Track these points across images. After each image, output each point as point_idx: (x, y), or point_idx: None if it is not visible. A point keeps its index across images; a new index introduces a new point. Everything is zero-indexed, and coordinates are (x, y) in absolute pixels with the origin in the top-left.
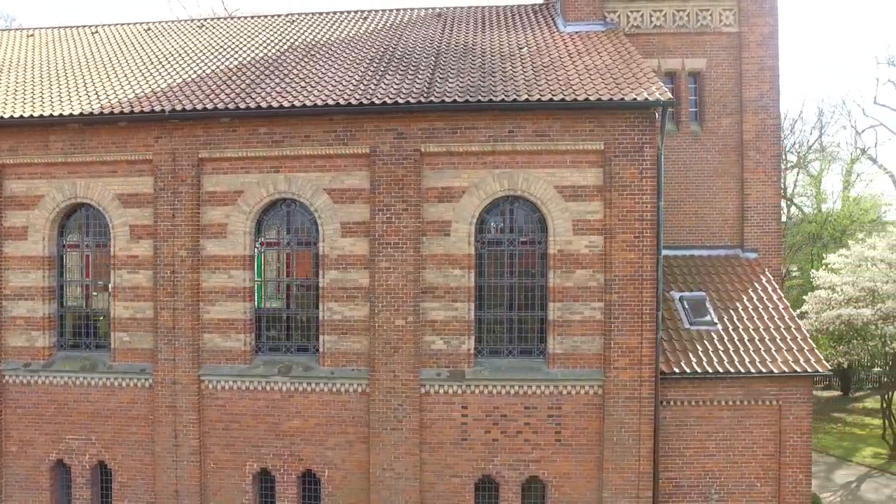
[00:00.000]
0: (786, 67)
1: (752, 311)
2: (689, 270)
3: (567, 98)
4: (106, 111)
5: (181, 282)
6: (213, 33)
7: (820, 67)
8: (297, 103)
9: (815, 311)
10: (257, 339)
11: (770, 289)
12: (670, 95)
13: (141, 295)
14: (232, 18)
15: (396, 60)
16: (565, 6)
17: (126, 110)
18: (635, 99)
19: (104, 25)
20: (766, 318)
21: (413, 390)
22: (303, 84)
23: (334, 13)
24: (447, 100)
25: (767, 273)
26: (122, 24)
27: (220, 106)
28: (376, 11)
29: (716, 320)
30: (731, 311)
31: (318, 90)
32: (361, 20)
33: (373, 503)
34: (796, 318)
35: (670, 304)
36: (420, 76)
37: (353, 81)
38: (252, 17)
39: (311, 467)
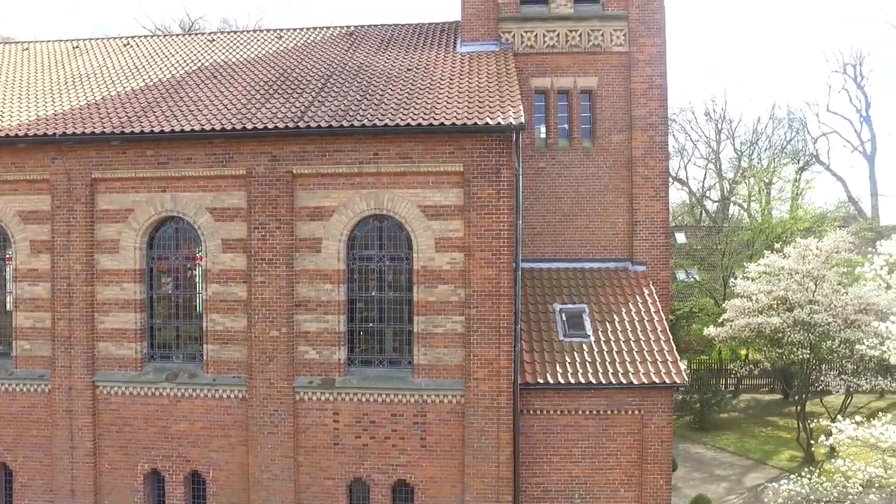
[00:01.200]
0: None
1: (627, 324)
2: (576, 283)
3: (424, 123)
4: (2, 133)
5: (77, 294)
6: (135, 52)
7: (785, 73)
8: (177, 128)
9: (730, 319)
10: (150, 346)
11: (650, 301)
12: (522, 120)
13: (40, 306)
14: (157, 37)
15: (288, 83)
16: (463, 27)
17: (22, 133)
18: (488, 123)
19: (37, 42)
20: (639, 330)
21: (287, 397)
22: (192, 108)
23: (254, 32)
24: (313, 125)
25: (651, 286)
26: (53, 42)
27: (108, 130)
28: (293, 31)
29: (589, 332)
30: (607, 323)
31: (204, 114)
32: (276, 39)
33: (252, 503)
34: (668, 331)
35: (550, 316)
36: (302, 99)
37: (238, 105)
38: (176, 37)
39: (198, 468)
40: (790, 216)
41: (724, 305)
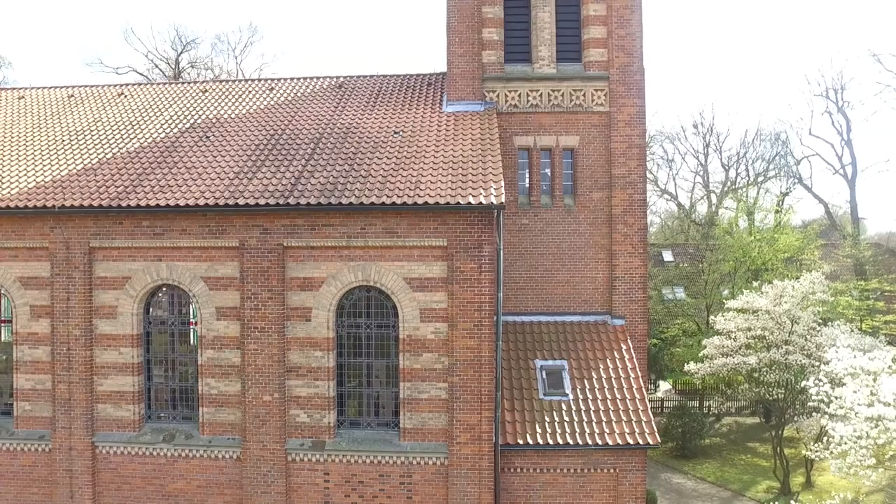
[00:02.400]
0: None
1: (605, 382)
2: (557, 337)
3: (409, 201)
4: (2, 205)
5: (76, 358)
6: (129, 104)
7: (773, 86)
8: (172, 202)
9: (710, 356)
10: (148, 408)
11: (627, 358)
12: (503, 199)
13: (41, 368)
14: (150, 85)
15: (279, 147)
16: (448, 86)
17: (21, 204)
18: (470, 202)
19: (33, 89)
20: (615, 388)
21: (280, 458)
22: (185, 176)
23: (246, 82)
24: (302, 202)
25: (629, 342)
26: (49, 89)
27: (105, 203)
28: (285, 81)
29: (568, 392)
30: (585, 380)
31: (197, 184)
32: (268, 91)
33: None
34: (643, 389)
35: (531, 373)
36: (292, 169)
37: (230, 175)
38: (168, 85)
39: None
40: (770, 248)
41: (703, 342)
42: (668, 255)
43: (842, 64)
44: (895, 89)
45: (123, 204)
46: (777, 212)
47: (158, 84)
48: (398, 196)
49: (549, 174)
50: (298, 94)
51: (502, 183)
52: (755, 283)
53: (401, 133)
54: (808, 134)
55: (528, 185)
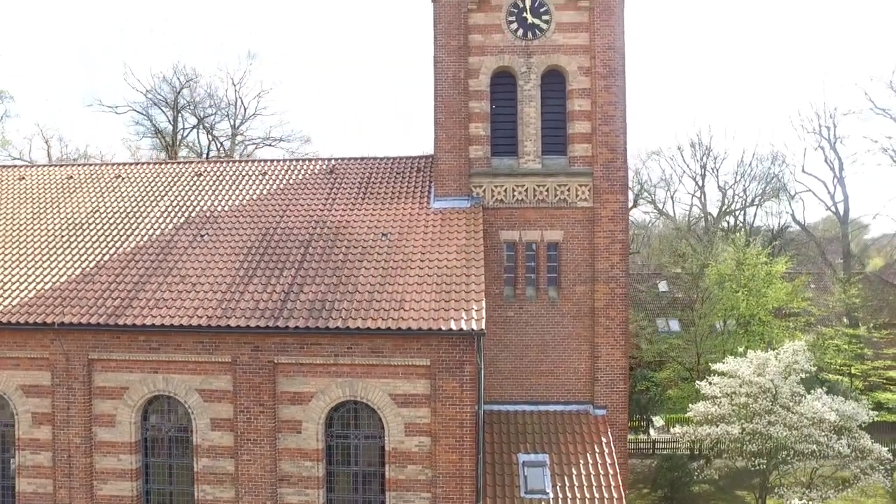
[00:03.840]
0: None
1: (584, 479)
2: (539, 428)
3: (393, 326)
4: (4, 319)
5: (76, 464)
6: (125, 189)
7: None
8: (167, 321)
9: (695, 420)
10: None
11: (607, 453)
12: (483, 326)
13: (42, 473)
14: (146, 165)
15: (270, 250)
16: (436, 181)
17: (22, 320)
18: (451, 329)
19: (32, 167)
20: (594, 486)
21: None
22: (180, 288)
23: (240, 164)
24: (291, 325)
25: (609, 434)
26: (48, 167)
27: (103, 321)
28: (277, 164)
29: (549, 490)
30: (566, 477)
31: (191, 298)
32: (261, 176)
33: None
34: (620, 488)
35: (514, 468)
36: (283, 280)
37: (223, 287)
38: (165, 165)
39: None
40: (758, 302)
41: (689, 409)
42: (663, 286)
43: (835, 102)
44: (881, 148)
45: (120, 322)
46: (766, 260)
47: (154, 164)
48: (383, 319)
49: (534, 266)
50: (290, 182)
51: (483, 305)
52: (742, 339)
53: (388, 235)
54: (801, 171)
55: (513, 278)
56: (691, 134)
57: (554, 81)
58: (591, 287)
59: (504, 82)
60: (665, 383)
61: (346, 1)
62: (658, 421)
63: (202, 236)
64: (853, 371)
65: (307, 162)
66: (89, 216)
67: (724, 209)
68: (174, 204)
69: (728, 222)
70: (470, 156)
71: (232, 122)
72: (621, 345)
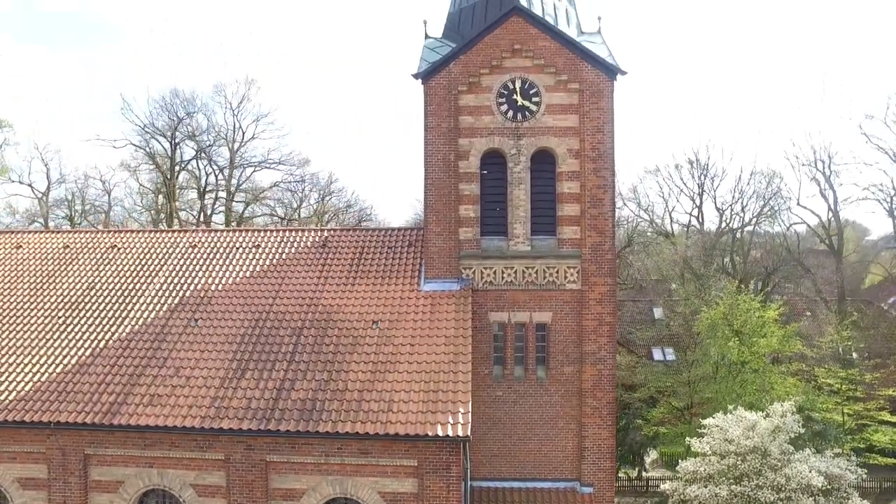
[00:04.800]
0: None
1: None
2: None
3: (381, 431)
4: (1, 418)
5: None
6: (121, 262)
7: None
8: (161, 420)
9: (683, 482)
10: None
11: None
12: (469, 432)
13: None
14: (142, 233)
15: (263, 340)
16: (426, 263)
17: (19, 418)
18: (438, 435)
19: (30, 233)
20: None
21: None
22: (174, 382)
23: (234, 233)
24: (283, 428)
25: None
26: (45, 233)
27: (98, 420)
28: (271, 234)
29: None
30: None
31: (185, 395)
32: (254, 249)
33: None
34: None
35: None
36: (274, 376)
37: (216, 383)
38: (161, 233)
39: None
40: (749, 350)
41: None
42: (658, 313)
43: (830, 136)
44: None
45: (115, 422)
46: (760, 307)
47: (150, 232)
48: (371, 423)
49: (522, 346)
50: (283, 257)
51: (469, 408)
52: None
53: (379, 323)
54: (796, 204)
55: (502, 357)
56: (689, 153)
57: (544, 161)
58: (578, 368)
59: (494, 161)
60: (658, 419)
61: (347, 1)
62: (651, 453)
63: (196, 321)
64: (846, 410)
65: (300, 233)
66: (85, 293)
67: (721, 228)
68: (169, 281)
69: (727, 239)
70: (460, 237)
71: (230, 146)
72: (608, 424)
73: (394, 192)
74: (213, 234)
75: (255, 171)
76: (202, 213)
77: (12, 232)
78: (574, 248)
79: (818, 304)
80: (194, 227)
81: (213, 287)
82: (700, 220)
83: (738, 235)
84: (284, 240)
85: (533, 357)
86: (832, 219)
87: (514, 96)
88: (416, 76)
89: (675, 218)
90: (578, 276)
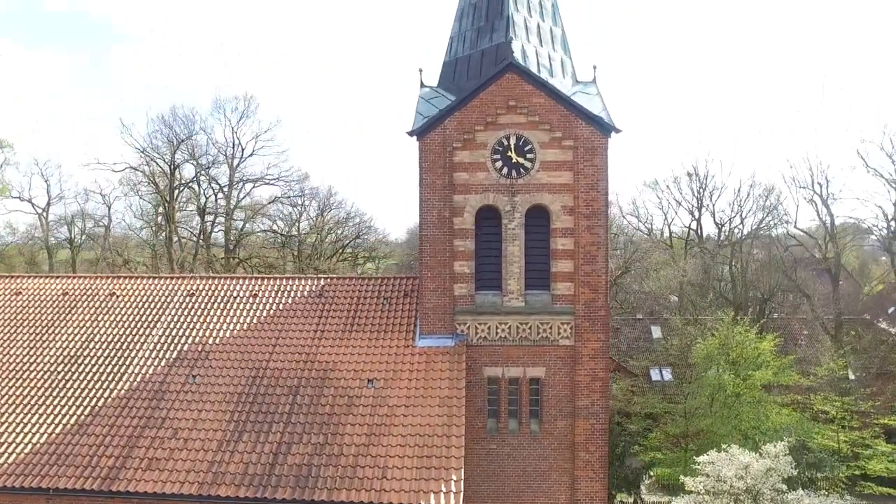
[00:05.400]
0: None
1: None
2: None
3: (374, 500)
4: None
5: None
6: (119, 312)
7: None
8: (159, 487)
9: None
10: None
11: None
12: (461, 502)
13: None
14: (140, 280)
15: (259, 398)
16: (422, 319)
17: (17, 484)
18: None
19: (29, 278)
20: None
21: None
22: (172, 445)
23: (231, 281)
24: (278, 497)
25: None
26: (44, 278)
27: (96, 487)
28: (267, 283)
29: None
30: None
31: (183, 458)
32: (251, 298)
33: None
34: None
35: None
36: (271, 438)
37: (213, 446)
38: (159, 280)
39: None
40: (744, 383)
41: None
42: (656, 332)
43: (828, 159)
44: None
45: (114, 488)
46: (755, 340)
47: (148, 279)
48: (366, 490)
49: (516, 400)
50: (280, 308)
51: (462, 475)
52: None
53: (374, 382)
54: (792, 226)
55: (496, 410)
56: (688, 166)
57: (538, 216)
58: (571, 422)
59: (488, 216)
60: (655, 445)
61: (346, 1)
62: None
63: (194, 377)
64: (841, 438)
65: (297, 281)
66: (84, 345)
67: (720, 241)
68: (167, 333)
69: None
70: (455, 293)
71: (229, 162)
72: (601, 477)
73: (394, 192)
74: (210, 282)
75: (254, 187)
76: (202, 233)
77: (12, 276)
78: (568, 304)
79: (815, 325)
80: (192, 274)
81: (210, 340)
82: (699, 232)
83: (737, 250)
84: (281, 288)
85: (527, 411)
86: (829, 242)
87: (509, 153)
88: (410, 133)
89: (675, 231)
90: (572, 332)
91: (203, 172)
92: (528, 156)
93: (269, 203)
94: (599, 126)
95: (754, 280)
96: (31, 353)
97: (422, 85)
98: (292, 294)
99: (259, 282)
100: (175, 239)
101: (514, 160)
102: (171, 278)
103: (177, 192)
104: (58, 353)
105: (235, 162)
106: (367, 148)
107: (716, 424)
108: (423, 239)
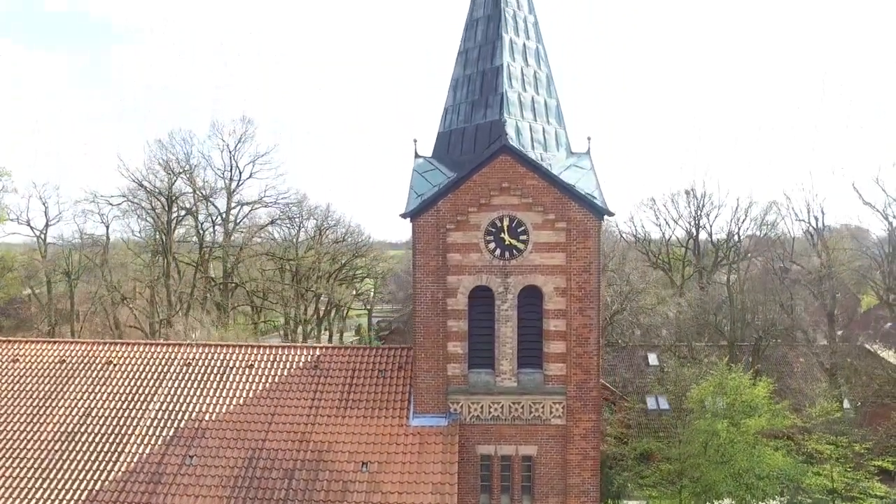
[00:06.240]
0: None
1: None
2: None
3: None
4: None
5: None
6: (117, 382)
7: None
8: None
9: None
10: None
11: None
12: None
13: None
14: (138, 346)
15: (255, 482)
16: (416, 399)
17: None
18: None
19: (26, 343)
20: None
21: None
22: None
23: (228, 349)
24: None
25: None
26: (40, 343)
27: None
28: (263, 352)
29: None
30: None
31: None
32: (247, 369)
33: None
34: None
35: None
36: None
37: None
38: (158, 346)
39: None
40: (738, 430)
41: None
42: (652, 359)
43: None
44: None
45: None
46: (749, 386)
47: (145, 346)
48: None
49: (509, 476)
50: (276, 381)
51: None
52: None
53: (368, 465)
54: (789, 261)
55: (489, 487)
56: (684, 183)
57: (531, 296)
58: (563, 499)
59: (481, 294)
60: (651, 482)
61: (346, 1)
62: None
63: (190, 458)
64: (835, 475)
65: (292, 350)
66: (82, 420)
67: (718, 261)
68: (164, 408)
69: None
70: (448, 373)
71: (227, 185)
72: None
73: (394, 192)
74: (206, 350)
75: (251, 209)
76: (201, 259)
77: (9, 341)
78: (560, 384)
79: (811, 358)
80: (188, 342)
81: (207, 416)
82: (696, 252)
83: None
84: (277, 358)
85: (519, 488)
86: (825, 277)
87: (503, 235)
88: (404, 216)
89: (672, 251)
90: (564, 411)
91: (202, 200)
92: (522, 237)
93: (268, 224)
94: (593, 209)
95: (750, 317)
96: (29, 427)
97: (416, 155)
98: (288, 365)
99: (254, 351)
100: (173, 264)
101: (507, 242)
102: (168, 345)
103: (174, 222)
104: (55, 429)
105: (233, 185)
106: (367, 148)
107: (709, 471)
108: (417, 320)
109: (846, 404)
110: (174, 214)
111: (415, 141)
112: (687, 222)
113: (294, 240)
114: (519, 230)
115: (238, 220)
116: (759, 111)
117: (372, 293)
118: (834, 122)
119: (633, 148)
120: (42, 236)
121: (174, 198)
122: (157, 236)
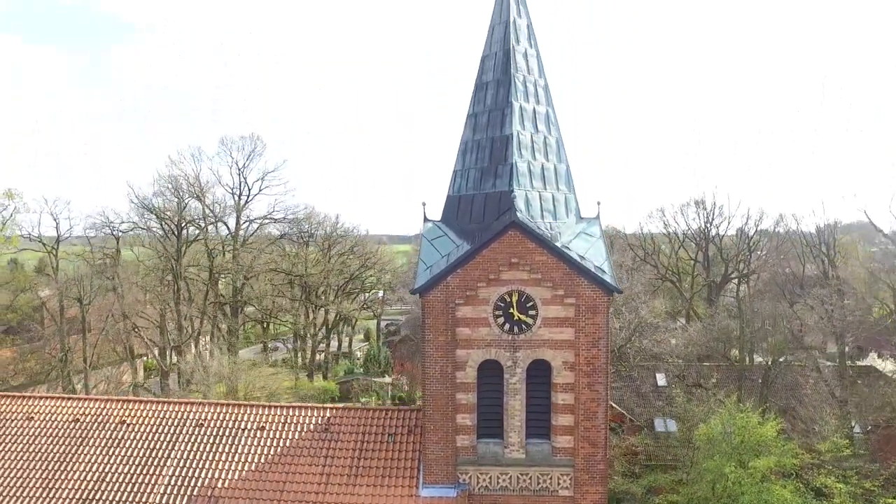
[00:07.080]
0: None
1: None
2: None
3: None
4: None
5: None
6: (132, 444)
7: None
8: None
9: None
10: None
11: None
12: None
13: None
14: (150, 404)
15: None
16: (425, 469)
17: None
18: None
19: (41, 398)
20: None
21: None
22: None
23: (239, 409)
24: None
25: None
26: (57, 399)
27: None
28: (273, 412)
29: None
30: None
31: None
32: (258, 432)
33: None
34: None
35: None
36: None
37: None
38: (171, 405)
39: None
40: (745, 471)
41: None
42: (661, 380)
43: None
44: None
45: None
46: (757, 425)
47: (158, 404)
48: None
49: None
50: (287, 445)
51: None
52: None
53: None
54: (799, 286)
55: None
56: (692, 193)
57: (540, 369)
58: None
59: (490, 365)
60: None
61: (346, 1)
62: None
63: None
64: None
65: (303, 412)
66: (96, 486)
67: (727, 274)
68: (177, 474)
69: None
70: (457, 444)
71: (236, 202)
72: None
73: (394, 192)
74: (218, 409)
75: (259, 226)
76: (211, 282)
77: (24, 397)
78: (567, 456)
79: (820, 383)
80: (200, 401)
81: (219, 484)
82: (705, 264)
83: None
84: (288, 420)
85: None
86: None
87: (511, 310)
88: (413, 292)
89: (682, 267)
90: (571, 483)
91: (213, 223)
92: (531, 312)
93: (278, 239)
94: (602, 285)
95: (759, 341)
96: (45, 493)
97: (425, 219)
98: (299, 427)
99: (266, 411)
100: (183, 286)
101: (516, 317)
102: (180, 403)
103: (184, 248)
104: (70, 496)
105: (242, 201)
106: (367, 148)
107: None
108: (426, 393)
109: (857, 428)
110: (184, 238)
111: (423, 204)
112: (697, 235)
113: (303, 254)
114: (528, 305)
115: (247, 238)
116: (759, 115)
117: (380, 305)
118: (834, 125)
119: (632, 149)
120: (54, 252)
121: (184, 222)
122: (168, 263)
